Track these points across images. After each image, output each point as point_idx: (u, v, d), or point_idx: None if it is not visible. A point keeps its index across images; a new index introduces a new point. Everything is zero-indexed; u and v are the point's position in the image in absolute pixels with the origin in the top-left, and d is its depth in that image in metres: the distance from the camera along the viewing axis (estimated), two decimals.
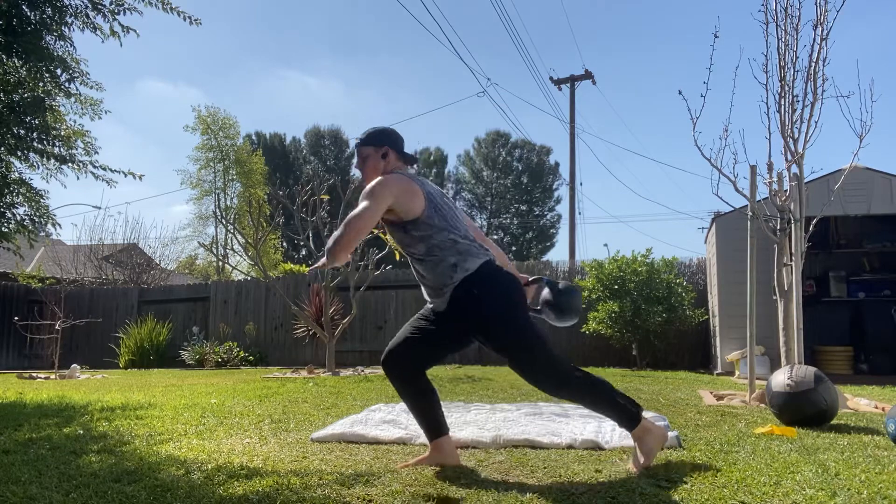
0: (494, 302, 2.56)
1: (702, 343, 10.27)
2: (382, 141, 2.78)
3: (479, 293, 2.56)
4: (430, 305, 2.72)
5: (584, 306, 2.65)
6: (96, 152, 6.04)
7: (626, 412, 2.60)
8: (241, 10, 54.98)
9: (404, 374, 2.71)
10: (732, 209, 6.03)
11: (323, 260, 2.59)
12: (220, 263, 22.61)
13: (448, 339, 2.72)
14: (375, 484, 2.32)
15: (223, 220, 11.47)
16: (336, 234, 2.52)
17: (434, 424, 2.70)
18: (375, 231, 8.87)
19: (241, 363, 11.47)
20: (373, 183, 2.60)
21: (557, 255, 45.63)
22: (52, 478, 2.42)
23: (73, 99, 5.88)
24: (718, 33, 5.28)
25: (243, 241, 10.48)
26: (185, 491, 2.22)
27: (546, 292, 2.83)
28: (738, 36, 5.56)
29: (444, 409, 2.79)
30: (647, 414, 3.81)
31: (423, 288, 2.74)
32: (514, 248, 38.83)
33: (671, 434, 3.16)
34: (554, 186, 40.20)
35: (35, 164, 5.83)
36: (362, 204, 2.54)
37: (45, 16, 5.31)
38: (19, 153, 5.69)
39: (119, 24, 5.53)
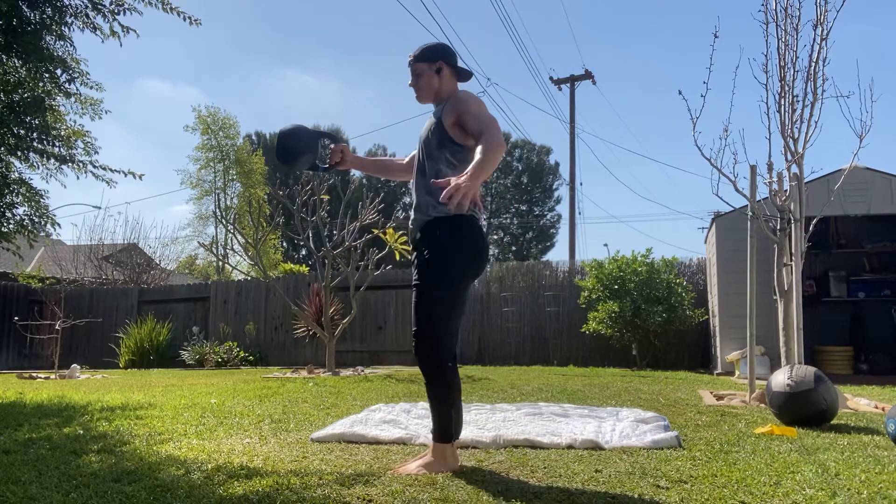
0: (448, 249, 2.59)
1: (702, 343, 10.27)
2: (437, 56, 2.76)
3: (443, 235, 2.60)
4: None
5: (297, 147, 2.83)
6: (96, 152, 6.04)
7: (446, 426, 2.59)
8: (241, 10, 54.99)
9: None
10: (732, 209, 6.04)
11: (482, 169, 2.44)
12: (220, 263, 22.61)
13: None
14: (375, 484, 2.32)
15: (223, 220, 11.47)
16: (485, 143, 2.40)
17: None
18: (376, 231, 8.90)
19: (241, 363, 11.47)
20: (472, 97, 2.63)
21: (557, 255, 45.61)
22: (52, 478, 2.42)
23: (73, 99, 5.87)
24: (718, 33, 5.29)
25: (243, 241, 10.48)
26: (185, 491, 2.22)
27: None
28: (738, 36, 5.58)
29: None
30: (647, 414, 3.81)
31: (411, 215, 2.76)
32: (514, 248, 38.82)
33: (671, 434, 3.16)
34: (554, 186, 40.18)
35: (35, 164, 5.83)
36: (482, 109, 2.57)
37: (45, 16, 5.30)
38: (19, 153, 5.68)
39: (119, 24, 5.54)
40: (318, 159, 2.97)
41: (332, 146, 2.97)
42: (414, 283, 2.68)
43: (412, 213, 2.75)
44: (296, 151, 2.91)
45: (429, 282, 2.61)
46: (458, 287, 2.63)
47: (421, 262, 2.65)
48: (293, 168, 3.08)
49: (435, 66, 2.74)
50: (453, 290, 2.61)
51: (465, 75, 2.82)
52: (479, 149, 2.42)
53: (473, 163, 2.34)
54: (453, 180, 2.23)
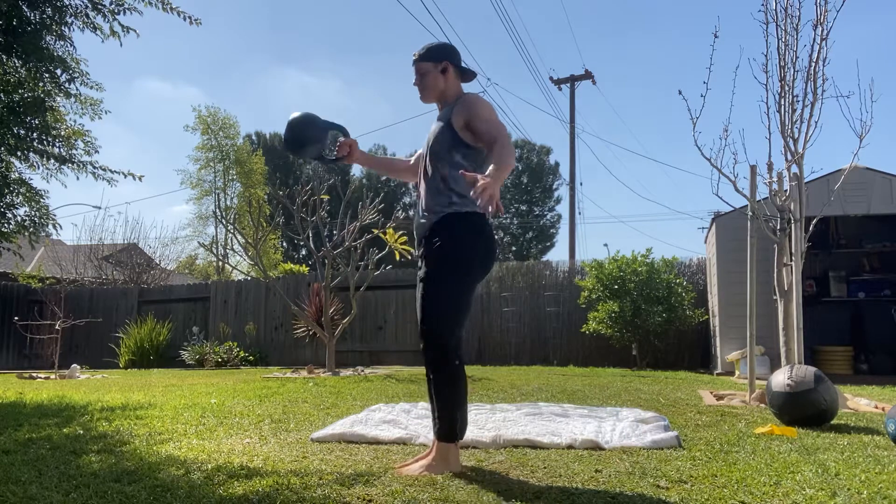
0: (463, 245, 2.58)
1: (702, 343, 10.27)
2: (442, 56, 2.74)
3: (458, 232, 2.58)
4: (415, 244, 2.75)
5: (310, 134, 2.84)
6: (96, 152, 6.04)
7: (451, 426, 2.55)
8: (241, 10, 54.98)
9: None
10: (732, 209, 6.03)
11: (494, 178, 2.33)
12: (220, 263, 22.63)
13: None
14: (375, 484, 2.32)
15: (223, 220, 11.48)
16: (500, 150, 2.40)
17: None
18: (376, 231, 8.90)
19: (241, 363, 11.46)
20: (482, 101, 2.62)
21: (557, 255, 45.59)
22: (52, 478, 2.42)
23: (73, 99, 5.87)
24: (718, 33, 5.29)
25: (243, 241, 10.48)
26: (185, 491, 2.22)
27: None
28: (738, 36, 5.57)
29: None
30: (647, 414, 3.82)
31: (414, 215, 2.75)
32: (514, 248, 38.83)
33: (671, 434, 3.16)
34: (554, 186, 40.20)
35: (35, 164, 5.83)
36: (493, 116, 2.57)
37: (45, 16, 5.31)
38: (19, 153, 5.69)
39: (119, 23, 5.55)
40: (326, 150, 2.95)
41: (341, 139, 2.94)
42: (420, 278, 2.63)
43: (420, 213, 2.70)
44: (304, 140, 2.89)
45: (440, 277, 2.57)
46: (469, 284, 2.62)
47: (431, 255, 2.60)
48: (299, 156, 3.09)
49: (440, 65, 2.72)
50: (464, 287, 2.59)
51: (469, 75, 2.81)
52: (495, 157, 2.39)
53: (492, 168, 2.28)
54: (480, 177, 2.20)
